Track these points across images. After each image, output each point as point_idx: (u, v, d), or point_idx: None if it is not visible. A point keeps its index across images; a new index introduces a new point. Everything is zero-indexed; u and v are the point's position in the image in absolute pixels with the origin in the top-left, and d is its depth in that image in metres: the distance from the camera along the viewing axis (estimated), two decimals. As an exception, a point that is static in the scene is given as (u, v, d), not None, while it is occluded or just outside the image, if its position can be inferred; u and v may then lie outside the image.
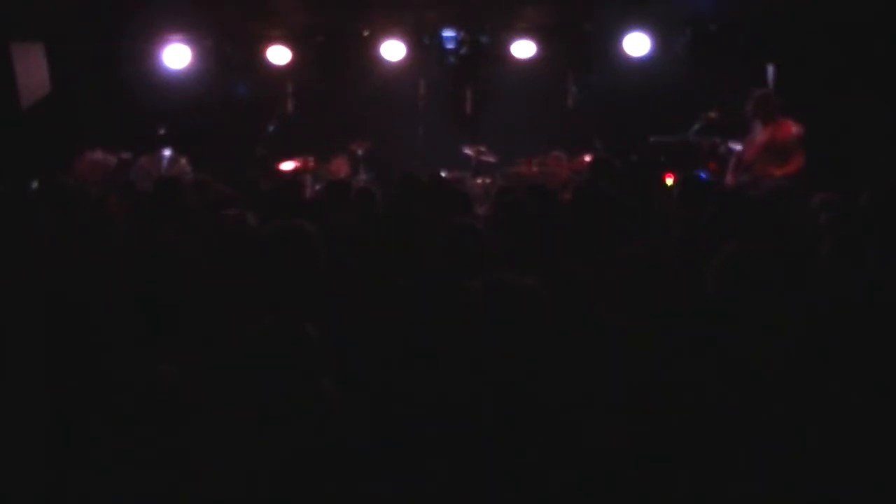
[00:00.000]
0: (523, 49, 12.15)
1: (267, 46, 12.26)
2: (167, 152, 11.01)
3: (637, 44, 11.83)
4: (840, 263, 4.28)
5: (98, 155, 9.85)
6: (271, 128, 12.05)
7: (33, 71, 10.86)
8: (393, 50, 12.18)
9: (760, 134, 8.94)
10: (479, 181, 11.47)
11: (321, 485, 3.09)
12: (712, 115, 10.33)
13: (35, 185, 6.70)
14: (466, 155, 11.84)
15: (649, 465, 2.97)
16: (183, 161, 10.97)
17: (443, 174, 11.07)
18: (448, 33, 12.29)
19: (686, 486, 2.96)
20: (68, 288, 4.04)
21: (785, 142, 8.76)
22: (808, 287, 3.96)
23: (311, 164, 11.78)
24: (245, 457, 3.15)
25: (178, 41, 12.12)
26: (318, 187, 10.86)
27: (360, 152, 12.10)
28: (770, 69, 10.95)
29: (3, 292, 3.82)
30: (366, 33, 12.30)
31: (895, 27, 9.86)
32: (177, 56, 12.15)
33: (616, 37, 11.88)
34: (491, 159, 11.83)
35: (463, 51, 12.31)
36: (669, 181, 10.19)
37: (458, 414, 2.94)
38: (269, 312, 3.80)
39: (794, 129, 8.77)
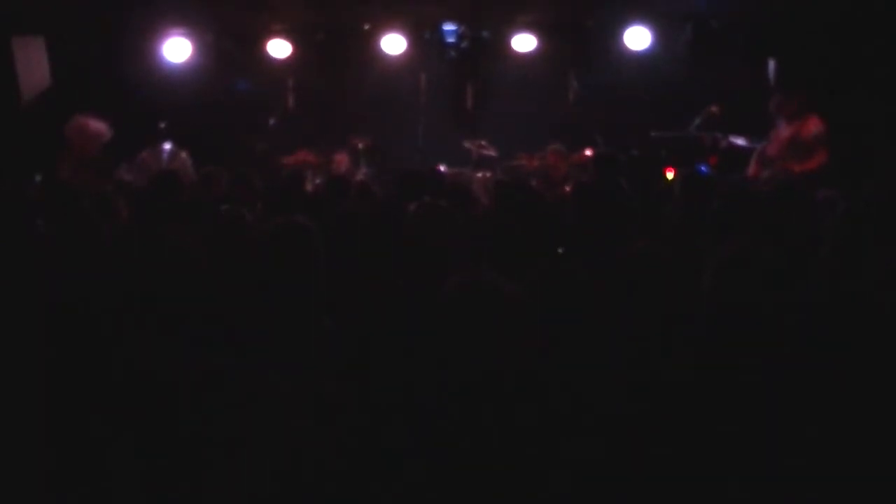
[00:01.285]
0: (524, 43, 12.13)
1: (267, 41, 12.26)
2: (168, 146, 11.01)
3: (638, 38, 11.82)
4: (840, 262, 4.28)
5: (84, 120, 9.87)
6: (272, 122, 12.07)
7: (34, 65, 10.86)
8: (393, 44, 12.17)
9: (785, 130, 8.94)
10: (480, 175, 11.48)
11: (324, 481, 3.10)
12: (713, 109, 10.34)
13: (38, 178, 6.71)
14: (467, 149, 11.86)
15: (648, 466, 2.97)
16: (183, 155, 10.97)
17: (442, 168, 11.12)
18: (449, 28, 12.29)
19: (686, 486, 2.96)
20: (67, 286, 4.05)
21: (808, 138, 8.76)
22: (808, 285, 3.96)
23: (312, 158, 11.79)
24: (249, 453, 3.16)
25: (179, 35, 12.10)
26: (318, 182, 10.87)
27: (360, 147, 12.12)
28: (771, 65, 10.95)
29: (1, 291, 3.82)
30: (366, 27, 12.29)
31: (895, 25, 9.85)
32: (177, 50, 12.14)
33: (617, 32, 11.88)
34: (491, 154, 11.84)
35: (463, 45, 12.31)
36: (670, 176, 10.20)
37: (450, 412, 2.93)
38: (268, 308, 3.82)
39: (817, 126, 8.77)
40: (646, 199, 6.89)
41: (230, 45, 12.38)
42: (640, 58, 11.89)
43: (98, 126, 9.74)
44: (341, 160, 11.90)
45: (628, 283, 3.64)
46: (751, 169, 9.31)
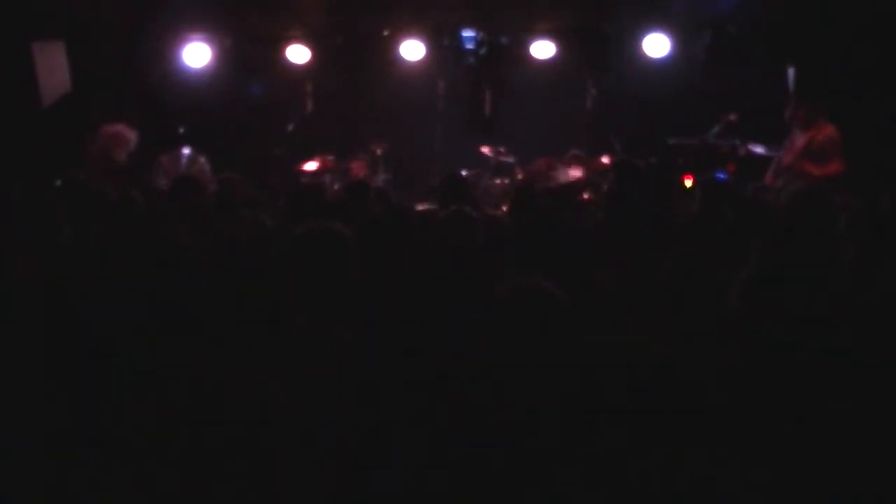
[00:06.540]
0: (542, 50, 12.12)
1: (286, 46, 12.26)
2: (187, 151, 11.08)
3: (656, 45, 11.79)
4: (862, 269, 4.27)
5: (117, 128, 9.98)
6: (290, 127, 12.10)
7: (54, 70, 10.91)
8: (412, 50, 12.16)
9: (800, 139, 8.90)
10: (499, 182, 11.50)
11: (345, 483, 3.10)
12: (731, 117, 10.31)
13: (58, 183, 6.73)
14: (485, 155, 11.87)
15: (668, 472, 2.97)
16: (202, 160, 11.04)
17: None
18: (467, 34, 12.27)
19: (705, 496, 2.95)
20: (82, 289, 4.06)
21: (822, 146, 8.71)
22: (831, 293, 3.95)
23: (330, 163, 11.83)
24: (263, 458, 3.16)
25: (198, 40, 12.13)
26: (336, 187, 10.90)
27: (378, 152, 12.16)
28: (790, 72, 10.91)
29: (17, 293, 3.84)
30: (385, 33, 12.30)
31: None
32: (196, 55, 12.16)
33: (635, 38, 11.85)
34: (509, 160, 11.86)
35: (482, 51, 12.29)
36: (688, 183, 10.17)
37: (485, 415, 2.95)
38: (297, 314, 3.81)
39: (831, 133, 8.72)
40: (664, 206, 6.87)
41: (249, 51, 12.41)
42: (659, 64, 11.85)
43: (131, 133, 9.85)
44: (359, 165, 11.93)
45: (651, 289, 3.66)
46: (767, 178, 9.29)
